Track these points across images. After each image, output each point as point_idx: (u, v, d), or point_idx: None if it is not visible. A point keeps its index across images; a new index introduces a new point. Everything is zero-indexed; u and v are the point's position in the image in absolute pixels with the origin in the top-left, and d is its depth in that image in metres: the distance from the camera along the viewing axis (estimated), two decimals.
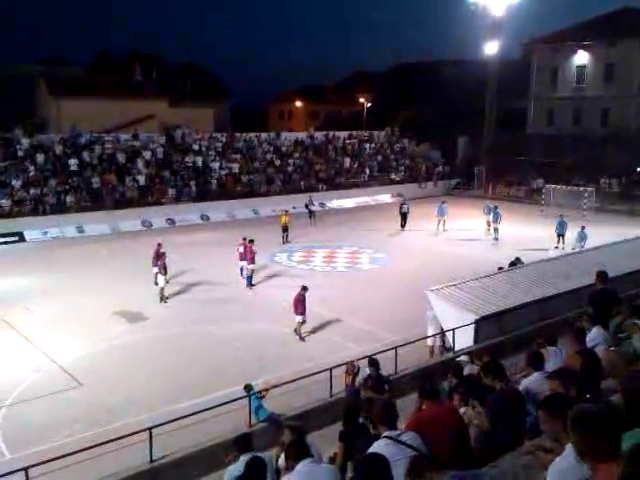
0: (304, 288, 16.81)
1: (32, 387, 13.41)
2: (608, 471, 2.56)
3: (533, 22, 56.03)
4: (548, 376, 5.17)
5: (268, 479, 5.64)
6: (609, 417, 2.84)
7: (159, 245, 21.07)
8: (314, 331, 17.01)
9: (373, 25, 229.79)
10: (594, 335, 7.08)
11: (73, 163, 34.03)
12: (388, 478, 3.48)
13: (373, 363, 11.93)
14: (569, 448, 3.18)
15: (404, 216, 32.07)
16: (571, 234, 26.63)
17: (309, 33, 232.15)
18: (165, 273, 19.98)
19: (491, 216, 29.75)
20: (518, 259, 20.51)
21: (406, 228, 31.91)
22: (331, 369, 12.35)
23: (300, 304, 16.44)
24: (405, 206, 32.30)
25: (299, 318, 16.49)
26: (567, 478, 3.09)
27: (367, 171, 45.22)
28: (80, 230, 30.61)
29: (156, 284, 20.29)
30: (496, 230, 29.31)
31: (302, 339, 16.53)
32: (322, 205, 39.74)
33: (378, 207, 40.83)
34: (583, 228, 26.00)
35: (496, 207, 30.00)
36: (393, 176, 46.01)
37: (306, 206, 33.92)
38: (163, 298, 19.44)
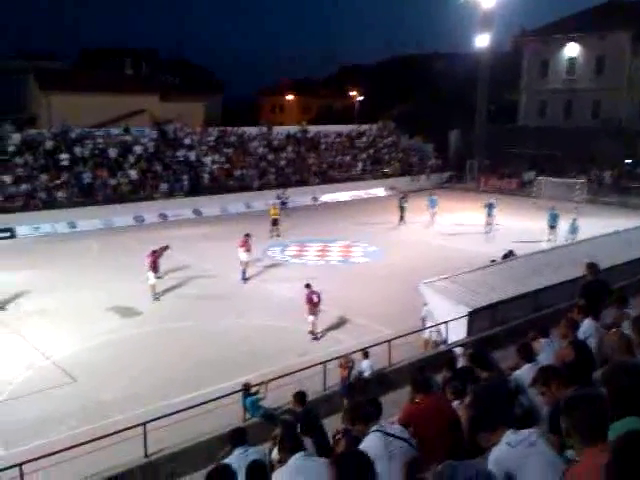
0: (307, 286, 16.51)
1: (25, 383, 13.39)
2: (595, 455, 2.60)
3: (524, 15, 56.02)
4: (530, 384, 5.20)
5: None
6: (596, 401, 2.90)
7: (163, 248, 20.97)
8: (307, 325, 16.99)
9: (365, 18, 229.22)
10: (586, 327, 7.13)
11: (64, 158, 33.86)
12: (371, 475, 3.50)
13: (367, 355, 12.01)
14: (504, 438, 3.59)
15: (402, 210, 32.06)
16: (563, 226, 26.76)
17: (301, 27, 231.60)
18: (156, 271, 19.82)
19: (486, 210, 29.69)
20: (511, 251, 20.64)
21: (403, 222, 31.86)
22: (325, 363, 12.40)
23: (309, 303, 16.12)
24: (404, 200, 32.27)
25: (310, 318, 16.16)
26: (501, 464, 3.50)
27: (360, 165, 45.24)
28: (72, 226, 30.48)
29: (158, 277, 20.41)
30: (490, 224, 29.39)
31: (316, 338, 16.14)
32: (315, 199, 39.79)
33: (371, 201, 40.88)
34: (575, 220, 26.13)
35: (490, 203, 29.90)
36: (386, 169, 46.04)
37: (278, 197, 33.64)
38: (155, 295, 19.33)
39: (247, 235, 21.70)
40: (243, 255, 21.23)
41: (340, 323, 17.14)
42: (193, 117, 47.54)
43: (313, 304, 16.03)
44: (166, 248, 21.15)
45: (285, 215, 31.76)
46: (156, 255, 19.94)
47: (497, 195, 34.51)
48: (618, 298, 7.97)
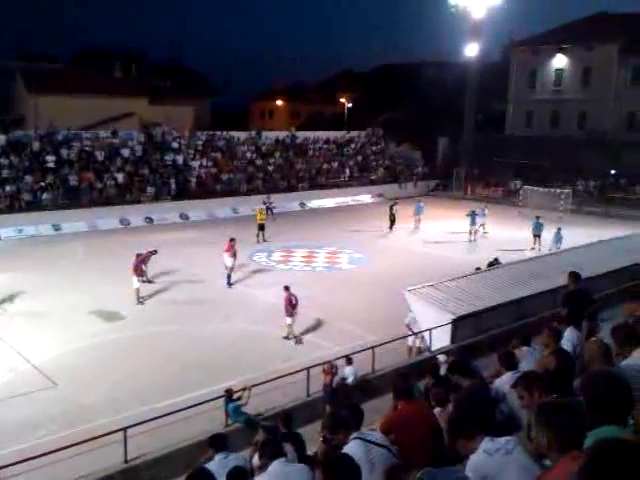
0: (286, 288, 16.67)
1: (6, 387, 13.23)
2: (569, 463, 2.61)
3: (513, 25, 56.65)
4: (512, 385, 5.23)
5: None
6: (572, 409, 2.91)
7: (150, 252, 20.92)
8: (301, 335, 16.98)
9: (356, 27, 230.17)
10: (567, 336, 7.18)
11: (50, 160, 33.62)
12: (357, 478, 3.49)
13: (350, 361, 11.97)
14: (482, 445, 3.62)
15: (393, 217, 32.12)
16: (547, 235, 26.96)
17: (292, 33, 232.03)
18: (140, 275, 19.66)
19: (469, 219, 29.80)
20: (497, 259, 20.75)
21: (393, 229, 31.89)
22: (308, 369, 12.37)
23: (288, 305, 16.25)
24: (395, 207, 32.30)
25: (289, 320, 16.26)
26: (479, 471, 3.54)
27: (347, 171, 45.33)
28: (57, 228, 30.24)
29: (148, 281, 20.40)
30: (474, 232, 29.54)
31: (298, 342, 16.25)
32: (302, 205, 39.81)
33: (358, 207, 40.97)
34: (559, 229, 26.34)
35: (473, 211, 30.06)
36: (373, 176, 46.18)
37: (263, 203, 33.63)
38: (139, 299, 19.22)
39: (232, 240, 21.65)
40: (228, 260, 21.17)
41: (324, 329, 17.12)
42: (182, 121, 47.41)
43: (292, 306, 16.23)
44: (154, 252, 21.06)
45: (271, 220, 31.76)
46: (140, 259, 19.83)
47: (482, 203, 34.70)
48: (589, 314, 8.10)
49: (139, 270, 19.46)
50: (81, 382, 13.49)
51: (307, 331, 16.93)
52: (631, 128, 45.56)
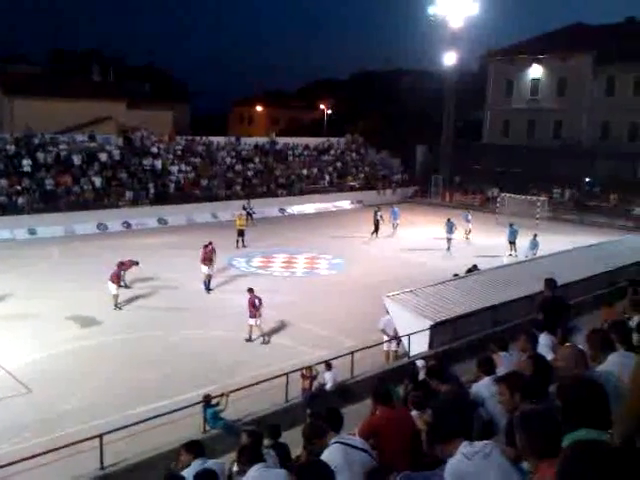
0: (250, 290, 16.96)
1: None
2: (548, 469, 2.66)
3: (491, 35, 57.51)
4: (496, 379, 5.30)
5: None
6: (550, 417, 2.97)
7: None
8: (270, 336, 16.94)
9: (335, 34, 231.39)
10: (542, 341, 7.27)
11: (26, 164, 33.17)
12: None
13: (329, 367, 11.96)
14: (460, 449, 3.62)
15: (377, 224, 32.20)
16: (522, 242, 27.27)
17: (273, 39, 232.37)
18: (118, 283, 19.32)
19: (445, 227, 29.79)
20: (475, 266, 20.94)
21: (375, 236, 31.94)
22: (287, 374, 12.36)
23: (252, 307, 16.54)
24: (379, 214, 32.41)
25: (251, 321, 16.55)
26: (457, 475, 3.55)
27: (327, 177, 45.45)
28: (32, 232, 29.82)
29: (126, 287, 20.28)
30: (449, 240, 29.57)
31: (265, 341, 16.54)
32: (282, 210, 39.80)
33: (337, 213, 41.09)
34: (535, 236, 26.68)
35: (449, 219, 30.19)
36: (352, 183, 46.36)
37: (244, 208, 33.57)
38: (117, 305, 19.02)
39: (206, 245, 21.53)
40: (204, 268, 21.01)
41: (303, 334, 17.11)
42: (161, 126, 47.13)
43: (255, 308, 16.47)
44: (136, 263, 20.85)
45: (252, 226, 31.70)
46: (122, 268, 19.67)
47: (460, 210, 35.05)
48: (563, 320, 8.35)
49: (118, 279, 19.25)
50: (56, 388, 13.30)
51: (286, 336, 16.91)
52: (605, 138, 46.40)
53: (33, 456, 9.24)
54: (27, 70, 54.41)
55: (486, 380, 6.19)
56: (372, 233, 31.80)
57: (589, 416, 2.97)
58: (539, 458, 2.89)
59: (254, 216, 33.83)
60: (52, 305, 18.83)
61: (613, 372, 4.31)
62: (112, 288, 18.91)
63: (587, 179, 42.97)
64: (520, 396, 4.67)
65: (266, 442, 6.92)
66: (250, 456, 5.04)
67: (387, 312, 15.46)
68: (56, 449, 9.45)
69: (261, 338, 16.64)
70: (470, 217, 31.87)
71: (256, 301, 16.56)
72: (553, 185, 42.69)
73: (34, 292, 20.25)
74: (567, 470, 2.12)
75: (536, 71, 50.62)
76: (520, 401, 4.62)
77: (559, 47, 47.96)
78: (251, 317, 16.54)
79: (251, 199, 35.84)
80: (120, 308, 18.95)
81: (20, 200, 31.06)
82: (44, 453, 9.32)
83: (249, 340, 16.50)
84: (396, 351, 15.23)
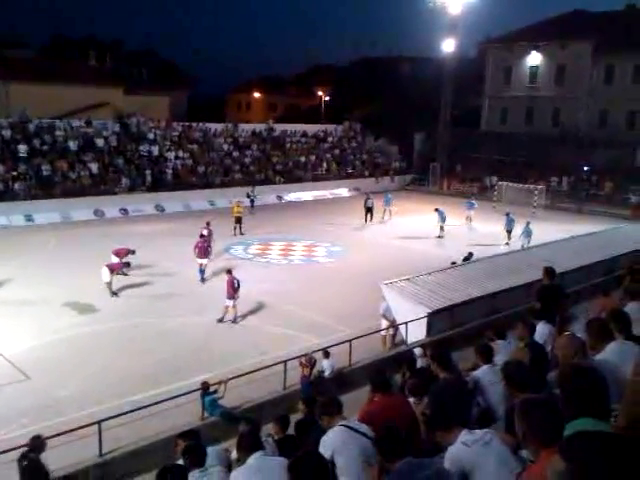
0: (229, 272, 17.30)
1: None
2: (549, 457, 2.67)
3: (490, 22, 57.14)
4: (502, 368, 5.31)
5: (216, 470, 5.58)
6: (551, 405, 2.98)
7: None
8: (268, 323, 16.97)
9: (334, 19, 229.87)
10: (540, 330, 7.30)
11: (22, 149, 33.00)
12: (325, 476, 3.53)
13: (327, 355, 11.98)
14: (460, 437, 3.73)
15: (369, 210, 32.39)
16: (517, 230, 27.26)
17: (270, 25, 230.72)
18: (113, 270, 19.11)
19: (437, 216, 29.79)
20: (471, 254, 20.96)
21: (369, 222, 32.23)
22: (285, 362, 12.38)
23: (230, 288, 16.79)
24: (370, 201, 32.64)
25: (229, 302, 16.83)
26: (457, 463, 3.64)
27: (324, 165, 45.33)
28: (29, 219, 29.74)
29: (123, 274, 20.20)
30: (442, 229, 29.51)
31: (233, 322, 16.88)
32: (279, 198, 39.73)
33: (335, 201, 41.07)
34: (528, 224, 26.65)
35: (437, 209, 29.96)
36: (350, 170, 46.26)
37: (247, 195, 33.69)
38: (112, 292, 18.97)
39: (201, 235, 21.48)
40: (199, 260, 20.79)
41: (301, 322, 17.12)
42: (158, 111, 46.89)
43: (234, 289, 16.75)
44: (132, 252, 20.72)
45: (251, 214, 31.75)
46: (118, 257, 19.62)
47: (458, 198, 35.10)
48: (561, 309, 8.44)
49: (114, 268, 19.14)
50: (54, 375, 13.31)
51: (284, 324, 16.93)
52: (603, 126, 46.31)
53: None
54: (24, 55, 53.90)
55: (484, 368, 6.22)
56: (365, 220, 31.97)
57: (589, 405, 2.97)
58: (540, 446, 2.90)
59: (255, 204, 33.82)
60: (49, 292, 18.81)
61: (612, 361, 4.32)
62: (106, 274, 18.76)
63: (585, 167, 42.95)
64: (519, 383, 4.70)
65: (275, 436, 6.91)
66: (249, 444, 5.05)
67: (385, 298, 15.51)
68: (55, 436, 9.46)
69: (232, 318, 16.94)
70: (476, 204, 32.77)
71: (235, 282, 16.86)
72: (551, 173, 42.65)
73: (31, 279, 20.22)
74: (576, 462, 2.12)
75: (535, 58, 50.38)
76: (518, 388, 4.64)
77: (558, 34, 47.70)
78: (229, 298, 16.84)
79: (256, 186, 35.76)
80: (118, 295, 18.90)
81: (16, 186, 30.93)
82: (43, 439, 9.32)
83: (220, 321, 16.81)
84: (393, 336, 15.29)
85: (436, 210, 29.54)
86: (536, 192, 36.79)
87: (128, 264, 20.53)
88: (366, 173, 46.63)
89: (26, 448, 8.22)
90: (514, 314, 13.72)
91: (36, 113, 36.23)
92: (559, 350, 5.34)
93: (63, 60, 53.27)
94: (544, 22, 51.70)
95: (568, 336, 5.66)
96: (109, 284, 18.83)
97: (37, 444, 7.99)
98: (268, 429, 7.51)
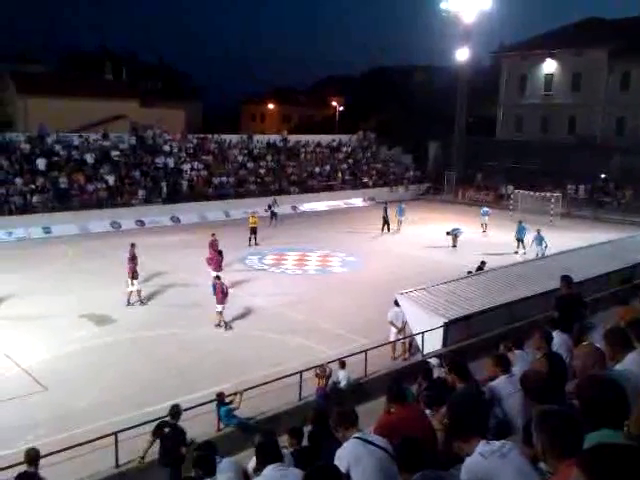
0: (217, 277, 17.81)
1: None
2: (569, 470, 2.61)
3: (503, 30, 57.07)
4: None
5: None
6: (569, 415, 2.92)
7: (132, 246, 20.81)
8: (283, 334, 16.94)
9: (347, 30, 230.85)
10: (556, 339, 7.20)
11: (40, 162, 33.43)
12: None
13: (343, 365, 11.92)
14: (477, 448, 3.65)
15: (385, 220, 32.36)
16: (530, 239, 26.97)
17: (283, 36, 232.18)
18: (135, 277, 19.43)
19: (450, 231, 29.56)
20: (484, 263, 20.77)
21: (384, 232, 32.26)
22: (301, 372, 12.34)
23: (219, 294, 17.21)
24: (387, 209, 32.65)
25: (219, 307, 17.23)
26: (474, 474, 3.59)
27: (339, 175, 45.38)
28: (47, 231, 30.06)
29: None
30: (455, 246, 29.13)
31: (228, 327, 17.28)
32: (294, 208, 39.79)
33: (350, 210, 41.05)
34: (539, 231, 26.38)
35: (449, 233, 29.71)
36: (365, 180, 46.26)
37: (269, 207, 33.80)
38: (133, 301, 19.13)
39: (220, 252, 21.51)
40: (214, 273, 20.79)
41: (316, 333, 17.08)
42: (173, 124, 47.32)
43: (223, 295, 17.27)
44: (133, 245, 20.82)
45: (273, 226, 31.99)
46: (131, 261, 19.75)
47: (473, 207, 34.95)
48: (580, 318, 8.27)
49: (133, 269, 19.32)
50: (71, 386, 13.38)
51: (299, 334, 16.90)
52: (620, 133, 45.91)
53: (48, 454, 9.28)
54: (40, 70, 54.79)
55: (502, 379, 6.14)
56: (382, 230, 32.02)
57: (608, 416, 2.92)
58: (559, 458, 2.84)
59: (276, 216, 33.79)
60: (67, 303, 18.96)
61: (632, 371, 4.24)
62: (133, 283, 19.22)
63: (602, 175, 42.53)
64: (537, 393, 4.63)
65: (289, 448, 6.88)
66: (267, 455, 5.03)
67: (396, 304, 15.43)
68: (71, 447, 9.50)
69: (217, 323, 17.38)
70: (490, 211, 32.79)
71: (224, 288, 17.31)
72: (567, 181, 42.30)
73: (49, 290, 20.41)
74: (596, 475, 2.08)
75: (550, 66, 50.14)
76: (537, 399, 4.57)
77: (573, 42, 47.47)
78: (218, 304, 17.24)
79: (275, 197, 35.83)
80: (145, 303, 19.26)
81: (35, 199, 31.31)
82: (59, 451, 9.37)
83: (218, 326, 17.25)
84: (410, 344, 15.20)
85: (448, 234, 29.18)
86: (552, 200, 36.48)
87: (133, 244, 20.72)
88: (380, 182, 46.56)
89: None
90: (531, 323, 13.56)
91: (53, 127, 36.71)
92: (578, 360, 5.26)
93: (79, 74, 54.06)
94: (559, 30, 51.51)
95: (587, 346, 5.58)
96: (138, 292, 19.27)
97: (32, 456, 8.00)
98: (283, 441, 7.48)
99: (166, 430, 9.48)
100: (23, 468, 9.03)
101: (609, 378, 3.30)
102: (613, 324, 6.86)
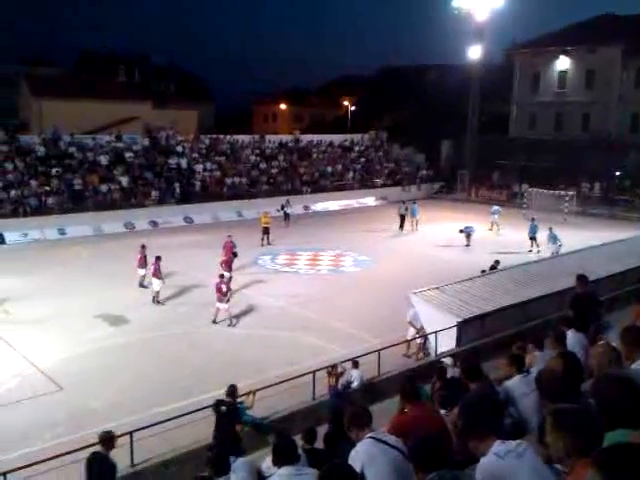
0: (221, 276, 18.10)
1: (11, 391, 13.24)
2: (585, 469, 2.60)
3: (516, 28, 56.70)
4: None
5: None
6: (584, 414, 2.89)
7: (143, 247, 21.01)
8: (296, 333, 16.96)
9: (359, 29, 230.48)
10: (570, 338, 7.15)
11: (55, 164, 33.73)
12: None
13: (356, 365, 11.91)
14: (492, 448, 3.59)
15: (403, 218, 32.39)
16: (543, 237, 26.75)
17: (295, 36, 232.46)
18: (160, 277, 19.54)
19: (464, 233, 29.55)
20: (497, 262, 20.65)
21: (400, 231, 32.30)
22: (314, 372, 12.35)
23: (218, 292, 17.42)
24: (403, 208, 32.63)
25: (220, 305, 17.48)
26: (489, 475, 3.55)
27: (351, 174, 45.35)
28: (62, 232, 30.32)
29: (142, 286, 20.55)
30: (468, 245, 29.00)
31: (232, 324, 17.54)
32: (306, 208, 39.82)
33: (362, 210, 41.00)
34: (551, 229, 26.16)
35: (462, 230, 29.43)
36: (377, 179, 46.19)
37: (282, 207, 33.86)
38: (156, 300, 19.40)
39: (235, 254, 22.02)
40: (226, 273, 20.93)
41: (329, 332, 17.08)
42: (186, 125, 47.54)
43: (222, 293, 17.45)
44: (143, 246, 21.24)
45: (285, 226, 32.01)
46: (158, 262, 19.87)
47: (486, 205, 34.77)
48: (595, 317, 8.18)
49: (157, 269, 19.47)
50: (87, 386, 13.49)
51: (311, 334, 16.91)
52: (635, 130, 45.45)
53: (65, 453, 9.40)
54: (54, 72, 55.26)
55: (517, 378, 6.11)
56: (400, 227, 32.11)
57: (625, 416, 2.89)
58: (574, 458, 2.82)
59: (289, 216, 33.82)
60: (82, 304, 19.11)
61: None
62: (155, 284, 19.40)
63: (617, 172, 42.13)
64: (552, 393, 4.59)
65: (305, 447, 6.90)
66: (283, 455, 5.05)
67: (412, 305, 15.40)
68: (87, 446, 9.55)
69: (214, 318, 17.63)
70: (499, 210, 32.50)
71: (223, 286, 17.48)
72: (582, 179, 41.95)
73: (64, 291, 20.58)
74: (612, 475, 2.07)
75: (563, 63, 49.73)
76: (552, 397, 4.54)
77: (587, 38, 47.03)
78: (219, 301, 17.44)
79: (289, 198, 35.83)
80: (163, 303, 19.39)
81: (50, 200, 31.60)
82: (76, 450, 9.45)
83: (230, 325, 17.46)
84: (423, 344, 15.16)
85: (461, 231, 29.12)
86: (567, 198, 36.21)
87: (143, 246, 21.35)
88: (392, 182, 46.47)
89: None
90: (546, 323, 13.49)
91: (68, 129, 37.03)
92: (593, 359, 5.22)
93: (93, 76, 54.45)
94: (572, 27, 51.07)
95: (603, 345, 5.53)
96: (158, 293, 19.40)
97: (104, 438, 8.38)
98: (296, 441, 7.49)
99: (223, 408, 10.03)
100: (40, 467, 9.17)
101: (625, 377, 3.27)
102: (629, 323, 6.81)
